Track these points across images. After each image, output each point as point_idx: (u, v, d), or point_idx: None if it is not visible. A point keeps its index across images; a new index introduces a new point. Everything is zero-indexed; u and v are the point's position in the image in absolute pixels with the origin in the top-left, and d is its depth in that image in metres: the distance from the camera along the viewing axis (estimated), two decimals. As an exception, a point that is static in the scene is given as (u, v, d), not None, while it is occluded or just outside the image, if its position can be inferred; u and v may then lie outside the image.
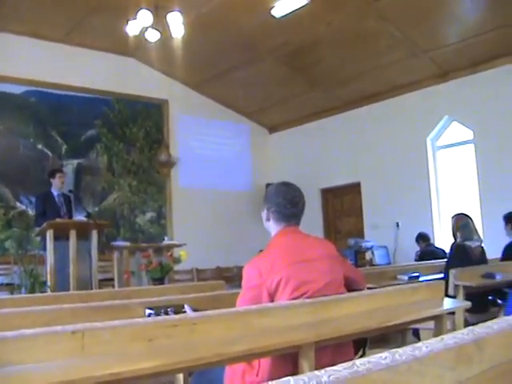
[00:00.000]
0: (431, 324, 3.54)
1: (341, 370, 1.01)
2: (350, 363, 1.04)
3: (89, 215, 8.05)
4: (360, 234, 11.73)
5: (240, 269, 2.96)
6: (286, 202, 3.09)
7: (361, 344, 3.31)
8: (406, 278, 6.59)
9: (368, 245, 10.61)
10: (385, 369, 1.07)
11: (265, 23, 9.57)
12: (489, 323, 1.51)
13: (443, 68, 10.43)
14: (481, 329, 1.44)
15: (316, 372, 1.00)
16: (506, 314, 4.28)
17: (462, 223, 6.27)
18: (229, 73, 11.43)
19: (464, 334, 1.37)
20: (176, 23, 8.52)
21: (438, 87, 10.72)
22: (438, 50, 9.96)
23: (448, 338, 1.30)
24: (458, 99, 10.45)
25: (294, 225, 3.12)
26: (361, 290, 3.35)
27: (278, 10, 9.22)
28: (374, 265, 10.17)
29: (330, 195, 12.88)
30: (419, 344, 1.22)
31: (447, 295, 5.04)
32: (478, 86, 10.13)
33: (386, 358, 1.10)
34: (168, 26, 8.59)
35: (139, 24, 8.50)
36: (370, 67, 10.65)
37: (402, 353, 1.14)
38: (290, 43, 10.19)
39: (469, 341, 1.34)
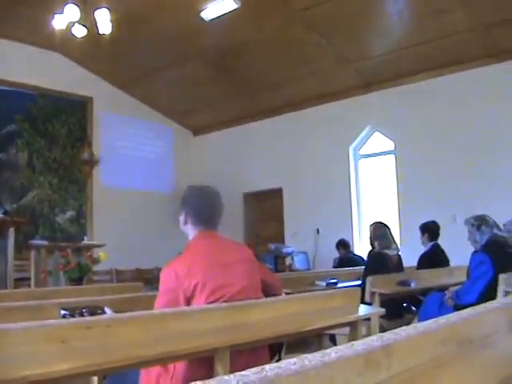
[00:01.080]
0: (347, 330, 3.60)
1: (249, 374, 1.01)
2: (259, 368, 1.05)
3: (6, 212, 7.83)
4: (281, 239, 11.80)
5: (160, 271, 2.94)
6: (204, 206, 3.09)
7: (276, 348, 3.33)
8: (324, 284, 6.67)
9: (288, 250, 10.70)
10: (294, 374, 1.08)
11: (194, 25, 9.54)
12: (398, 330, 1.54)
13: (368, 79, 10.63)
14: (390, 335, 1.47)
15: (225, 377, 1.00)
16: (420, 321, 4.39)
17: (379, 232, 6.41)
18: (155, 73, 11.34)
19: (373, 340, 1.39)
20: (104, 20, 8.38)
21: (362, 97, 10.92)
22: (364, 61, 10.16)
23: (357, 344, 1.32)
24: (380, 110, 10.68)
25: (211, 228, 3.11)
26: (278, 294, 3.38)
27: (208, 13, 9.21)
28: (293, 270, 10.26)
29: (252, 200, 12.88)
30: (329, 350, 1.23)
31: (364, 302, 5.13)
32: (400, 99, 10.39)
33: (295, 363, 1.10)
34: (95, 23, 8.45)
35: (66, 18, 8.31)
36: (296, 75, 10.76)
37: (311, 358, 1.15)
38: (218, 47, 10.19)
39: (377, 347, 1.37)
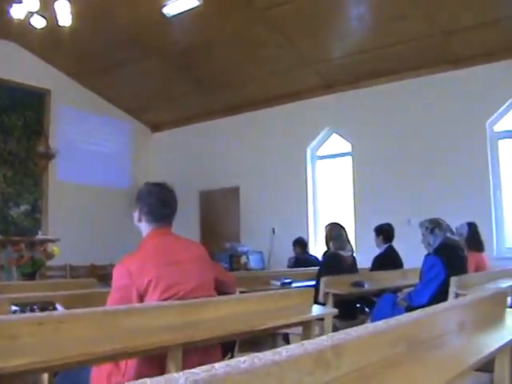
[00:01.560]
0: (301, 329, 3.61)
1: (199, 372, 1.01)
2: (209, 366, 1.05)
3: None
4: (236, 238, 11.81)
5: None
6: (158, 203, 3.08)
7: (229, 347, 3.33)
8: (278, 283, 6.69)
9: (243, 249, 10.71)
10: (243, 372, 1.08)
11: (156, 21, 9.47)
12: (348, 330, 1.56)
13: (327, 81, 10.70)
14: (340, 335, 1.48)
15: (174, 374, 1.00)
16: (373, 322, 4.46)
17: (335, 233, 6.46)
18: (115, 68, 11.23)
19: (324, 340, 1.41)
20: (64, 12, 8.26)
21: (321, 99, 10.98)
22: (324, 63, 10.22)
23: (308, 344, 1.33)
24: (339, 112, 10.76)
25: (165, 226, 3.10)
26: (232, 293, 3.38)
27: (170, 9, 9.16)
28: (248, 269, 10.27)
29: (209, 198, 12.83)
30: (279, 349, 1.24)
31: (318, 302, 5.16)
32: (358, 101, 10.49)
33: (245, 361, 1.11)
34: (55, 14, 8.33)
35: (25, 8, 8.17)
36: (257, 74, 10.78)
37: (261, 357, 1.16)
38: (179, 43, 10.15)
39: (328, 346, 1.38)
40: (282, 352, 1.22)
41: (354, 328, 1.60)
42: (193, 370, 1.02)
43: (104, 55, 10.83)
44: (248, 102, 11.84)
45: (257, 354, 1.16)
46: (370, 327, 1.66)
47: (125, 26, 9.72)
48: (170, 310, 2.73)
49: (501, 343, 2.44)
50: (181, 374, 1.00)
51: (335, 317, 4.93)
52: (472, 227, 6.98)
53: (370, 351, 1.62)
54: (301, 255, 9.23)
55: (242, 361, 1.11)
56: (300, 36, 9.52)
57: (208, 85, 11.56)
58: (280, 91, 11.25)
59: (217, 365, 1.06)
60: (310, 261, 8.80)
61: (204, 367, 1.04)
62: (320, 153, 11.38)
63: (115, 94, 12.67)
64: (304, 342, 1.36)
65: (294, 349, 1.27)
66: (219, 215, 12.70)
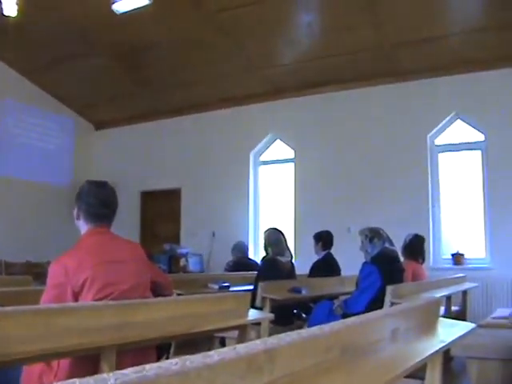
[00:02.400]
0: (237, 333, 3.62)
1: (128, 373, 1.00)
2: (139, 367, 1.04)
3: None
4: (176, 240, 11.74)
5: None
6: (98, 202, 3.06)
7: (165, 349, 3.32)
8: (216, 286, 6.68)
9: (183, 251, 10.66)
10: (174, 375, 1.07)
11: (105, 17, 9.32)
12: (282, 335, 1.57)
13: (274, 86, 10.75)
14: (273, 340, 1.49)
15: (104, 375, 0.99)
16: (309, 327, 4.49)
17: (273, 238, 6.49)
18: (61, 62, 10.99)
19: (257, 344, 1.41)
20: (9, 2, 8.11)
21: (266, 104, 11.02)
22: (271, 69, 10.28)
23: (240, 348, 1.33)
24: (284, 118, 10.83)
25: (104, 225, 3.08)
26: (168, 295, 3.37)
27: (120, 6, 9.04)
28: (187, 271, 10.24)
29: (151, 199, 12.71)
30: (211, 352, 1.24)
31: (255, 307, 5.17)
32: (303, 109, 10.58)
33: (176, 363, 1.10)
34: (0, 4, 8.17)
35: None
36: (204, 77, 10.75)
37: (193, 359, 1.15)
38: (128, 42, 10.03)
39: (260, 351, 1.38)
40: (214, 355, 1.21)
41: (288, 333, 1.61)
42: (123, 371, 1.00)
43: (49, 48, 10.57)
44: (194, 104, 11.79)
45: (189, 356, 1.16)
46: (303, 333, 1.67)
47: (73, 20, 9.53)
48: (104, 310, 2.70)
49: (432, 351, 2.49)
50: (111, 374, 0.98)
51: (272, 322, 4.96)
52: (419, 239, 7.11)
53: (303, 356, 1.63)
54: (240, 259, 9.24)
55: (174, 363, 1.10)
56: (249, 40, 9.56)
57: (155, 85, 11.47)
58: (226, 94, 11.24)
59: (148, 366, 1.04)
60: (250, 265, 8.81)
61: (133, 368, 1.03)
62: (263, 158, 11.42)
63: (60, 88, 12.42)
64: (236, 345, 1.36)
65: (226, 352, 1.27)
66: (160, 216, 12.60)
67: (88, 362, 2.62)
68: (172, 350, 4.94)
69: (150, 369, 1.03)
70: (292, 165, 10.87)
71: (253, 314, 3.74)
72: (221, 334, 5.27)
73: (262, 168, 11.44)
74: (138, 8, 9.00)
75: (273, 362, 1.42)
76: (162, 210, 12.56)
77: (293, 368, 1.55)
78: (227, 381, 1.24)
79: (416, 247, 6.99)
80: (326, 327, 1.83)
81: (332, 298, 6.37)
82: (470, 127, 9.35)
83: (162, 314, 2.99)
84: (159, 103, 12.09)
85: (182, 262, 10.70)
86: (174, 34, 9.64)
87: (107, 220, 3.10)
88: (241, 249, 9.41)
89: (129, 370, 1.01)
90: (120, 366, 2.54)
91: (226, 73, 10.50)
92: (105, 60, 10.74)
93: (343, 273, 7.54)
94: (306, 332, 1.69)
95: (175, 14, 9.12)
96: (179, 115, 12.17)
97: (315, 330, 1.78)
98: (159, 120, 12.51)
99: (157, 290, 3.22)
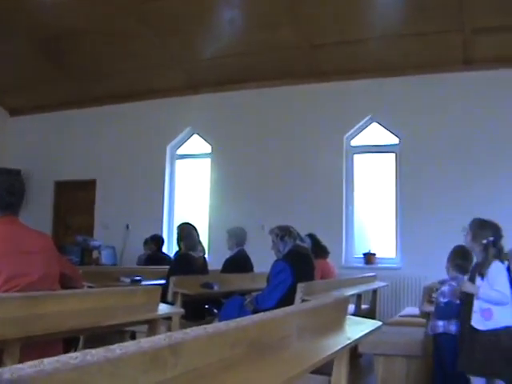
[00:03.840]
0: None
1: (25, 368, 0.98)
2: (37, 361, 1.02)
3: None
4: (90, 231, 11.51)
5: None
6: (3, 191, 2.98)
7: (72, 342, 3.27)
8: (128, 280, 6.63)
9: (96, 243, 10.47)
10: (74, 369, 1.06)
11: (26, 0, 9.07)
12: (187, 330, 1.57)
13: (194, 81, 10.69)
14: (178, 334, 1.49)
15: (-1, 369, 0.97)
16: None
17: (186, 233, 6.49)
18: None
19: (161, 339, 1.41)
20: None
21: (185, 98, 10.94)
22: (192, 63, 10.24)
23: (144, 342, 1.33)
24: (202, 113, 10.79)
25: (11, 215, 3.00)
26: (77, 287, 3.32)
27: (41, -10, 8.81)
28: (100, 264, 10.08)
29: (64, 189, 12.38)
30: (114, 346, 1.23)
31: (166, 301, 5.15)
32: (222, 104, 10.59)
33: (76, 357, 1.09)
34: None
35: None
36: (124, 68, 10.57)
37: (94, 353, 1.14)
38: (48, 27, 9.69)
39: (165, 345, 1.38)
40: (116, 349, 1.20)
41: (194, 328, 1.61)
42: (19, 365, 0.98)
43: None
44: (113, 95, 11.57)
45: (90, 350, 1.14)
46: (209, 328, 1.67)
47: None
48: (10, 301, 2.63)
49: (338, 347, 2.55)
50: (6, 369, 0.96)
51: (183, 317, 4.95)
52: (313, 238, 7.28)
53: (208, 352, 1.64)
54: (154, 253, 9.19)
55: (74, 357, 1.08)
56: (171, 34, 9.48)
57: (73, 73, 11.19)
58: (146, 87, 11.11)
59: (46, 360, 1.02)
60: (163, 259, 8.77)
61: (31, 362, 1.01)
62: (180, 152, 11.36)
63: (-28, 72, 11.99)
64: (140, 339, 1.35)
65: (128, 346, 1.26)
66: (74, 208, 12.32)
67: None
68: (81, 345, 4.86)
69: (48, 363, 1.02)
70: (209, 160, 10.86)
71: (163, 309, 3.73)
72: (131, 329, 5.23)
73: (178, 162, 11.37)
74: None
75: (177, 357, 1.43)
76: (76, 201, 12.27)
77: (197, 363, 1.55)
78: (129, 375, 1.24)
79: (317, 244, 7.20)
80: (233, 323, 1.84)
81: (243, 293, 6.40)
82: (386, 130, 9.56)
83: (70, 306, 2.95)
84: (79, 92, 11.80)
85: (95, 254, 10.54)
86: (95, 22, 9.43)
87: (14, 209, 3.02)
88: (156, 242, 9.36)
89: (26, 365, 0.99)
90: (25, 360, 2.48)
91: (147, 65, 10.37)
92: (22, 44, 10.36)
93: (256, 270, 7.59)
94: (211, 327, 1.70)
95: (97, 2, 8.94)
96: (98, 105, 11.91)
97: (221, 325, 1.79)
98: (78, 109, 12.21)
99: (65, 283, 3.16)
